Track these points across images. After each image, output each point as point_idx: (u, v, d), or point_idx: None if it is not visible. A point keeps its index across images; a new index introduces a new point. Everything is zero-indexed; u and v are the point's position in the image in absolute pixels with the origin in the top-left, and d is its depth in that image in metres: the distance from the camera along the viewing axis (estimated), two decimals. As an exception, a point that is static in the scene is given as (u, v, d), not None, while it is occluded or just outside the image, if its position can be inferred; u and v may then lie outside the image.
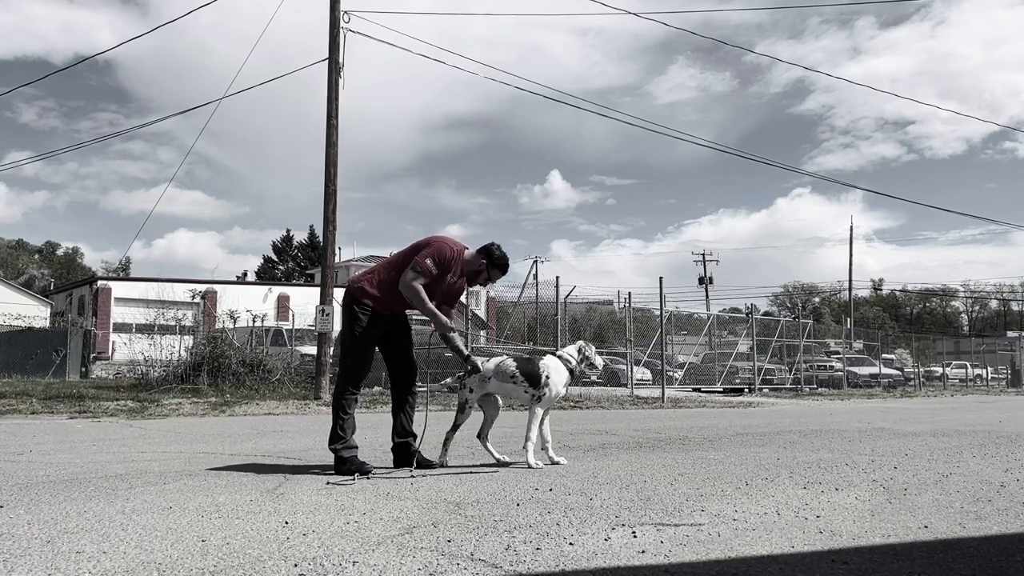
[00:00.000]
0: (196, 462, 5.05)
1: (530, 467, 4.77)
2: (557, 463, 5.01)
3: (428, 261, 4.64)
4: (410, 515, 3.29)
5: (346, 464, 4.59)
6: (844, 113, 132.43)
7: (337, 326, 17.40)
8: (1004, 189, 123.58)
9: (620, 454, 5.75)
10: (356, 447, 4.75)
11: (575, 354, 5.13)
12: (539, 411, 4.93)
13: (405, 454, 4.90)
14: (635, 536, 2.94)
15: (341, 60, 14.25)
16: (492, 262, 4.88)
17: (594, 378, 22.06)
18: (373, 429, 8.01)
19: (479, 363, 4.95)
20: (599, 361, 5.22)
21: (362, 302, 4.74)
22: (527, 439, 4.86)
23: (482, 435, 5.15)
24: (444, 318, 4.79)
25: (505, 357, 5.20)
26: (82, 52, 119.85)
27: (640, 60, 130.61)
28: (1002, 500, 3.82)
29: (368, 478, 4.41)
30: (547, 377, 4.92)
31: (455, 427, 5.07)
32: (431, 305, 4.68)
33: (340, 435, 4.67)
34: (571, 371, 5.07)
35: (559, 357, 5.09)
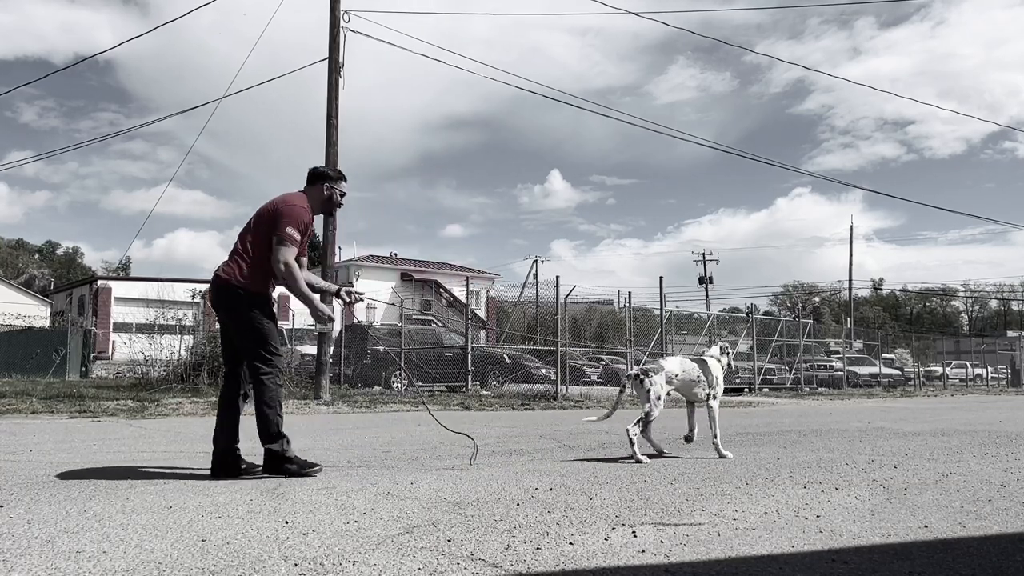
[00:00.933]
0: (196, 462, 5.05)
1: (724, 457, 5.39)
2: (725, 456, 5.43)
3: (290, 230, 4.35)
4: (410, 515, 3.29)
5: (293, 463, 4.34)
6: (844, 113, 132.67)
7: (337, 326, 17.41)
8: (1004, 189, 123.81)
9: (620, 454, 5.74)
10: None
11: (718, 354, 5.77)
12: (716, 407, 5.61)
13: (231, 465, 4.37)
14: (635, 536, 2.94)
15: (341, 60, 14.25)
16: (332, 180, 4.66)
17: (594, 378, 22.11)
18: (373, 428, 8.01)
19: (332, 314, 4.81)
20: (728, 361, 5.86)
21: (240, 290, 4.43)
22: (715, 435, 5.51)
23: (645, 431, 5.46)
24: (323, 307, 4.61)
25: (681, 358, 5.77)
26: (83, 52, 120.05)
27: (640, 60, 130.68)
28: (1002, 500, 3.82)
29: (315, 476, 4.30)
30: (716, 378, 5.57)
31: (647, 422, 5.39)
32: (308, 290, 4.47)
33: (281, 433, 4.35)
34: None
35: (714, 358, 5.68)
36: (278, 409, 4.36)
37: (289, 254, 4.36)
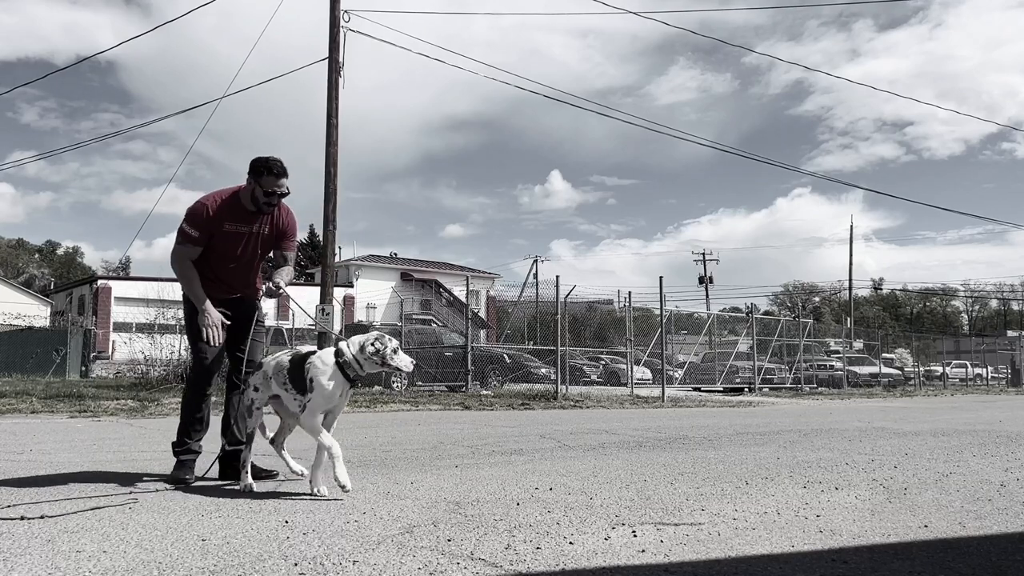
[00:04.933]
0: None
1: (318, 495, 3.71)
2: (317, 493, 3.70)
3: (184, 226, 4.16)
4: (410, 514, 3.29)
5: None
6: (843, 114, 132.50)
7: (337, 326, 17.41)
8: (1002, 190, 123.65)
9: (620, 454, 5.75)
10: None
11: (354, 350, 3.75)
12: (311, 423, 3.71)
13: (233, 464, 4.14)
14: (635, 535, 2.94)
15: (341, 59, 14.26)
16: (254, 174, 4.14)
17: (594, 378, 22.10)
18: (373, 428, 8.01)
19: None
20: (401, 361, 3.77)
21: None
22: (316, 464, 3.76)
23: (276, 442, 4.20)
24: (206, 318, 4.15)
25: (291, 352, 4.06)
26: (84, 54, 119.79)
27: (640, 61, 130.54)
28: (1002, 499, 3.82)
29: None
30: (311, 380, 3.73)
31: (249, 439, 4.00)
32: (198, 292, 4.20)
33: (186, 438, 4.21)
34: (343, 367, 3.73)
35: (336, 351, 3.82)
36: (197, 414, 4.32)
37: (179, 252, 4.19)
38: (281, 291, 4.20)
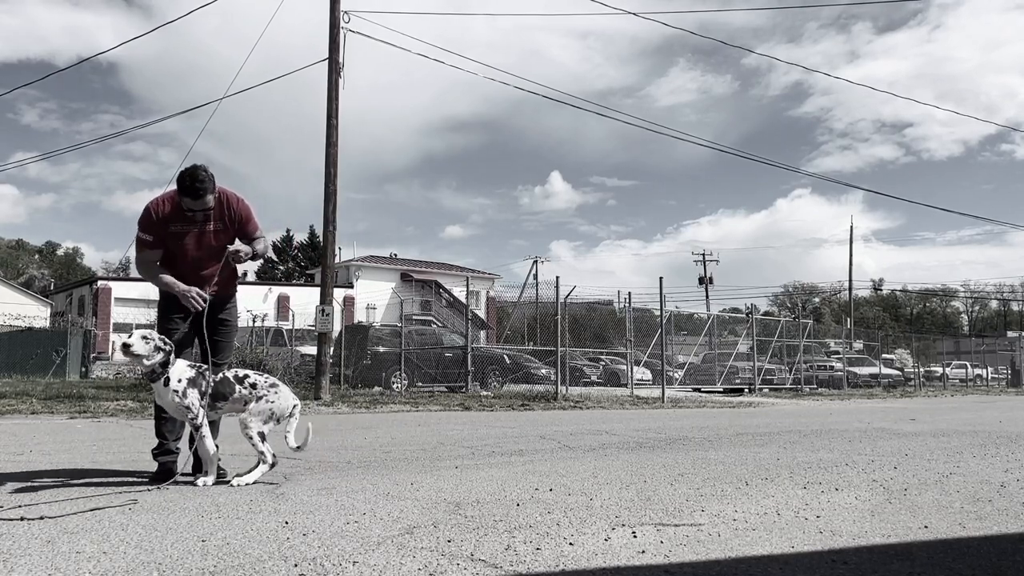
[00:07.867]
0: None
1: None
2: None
3: (139, 233, 4.30)
4: (410, 515, 3.29)
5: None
6: (842, 116, 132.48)
7: (337, 326, 17.45)
8: (1002, 190, 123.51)
9: (620, 454, 5.75)
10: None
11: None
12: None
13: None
14: (635, 536, 2.94)
15: (341, 60, 14.26)
16: (179, 190, 4.17)
17: (594, 378, 22.08)
18: (373, 429, 8.01)
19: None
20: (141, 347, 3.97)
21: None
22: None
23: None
24: (173, 285, 4.24)
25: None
26: (85, 55, 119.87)
27: (640, 63, 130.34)
28: (1002, 500, 3.82)
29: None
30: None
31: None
32: (163, 282, 4.27)
33: (162, 440, 4.36)
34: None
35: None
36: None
37: (137, 254, 4.39)
38: (242, 256, 4.37)
